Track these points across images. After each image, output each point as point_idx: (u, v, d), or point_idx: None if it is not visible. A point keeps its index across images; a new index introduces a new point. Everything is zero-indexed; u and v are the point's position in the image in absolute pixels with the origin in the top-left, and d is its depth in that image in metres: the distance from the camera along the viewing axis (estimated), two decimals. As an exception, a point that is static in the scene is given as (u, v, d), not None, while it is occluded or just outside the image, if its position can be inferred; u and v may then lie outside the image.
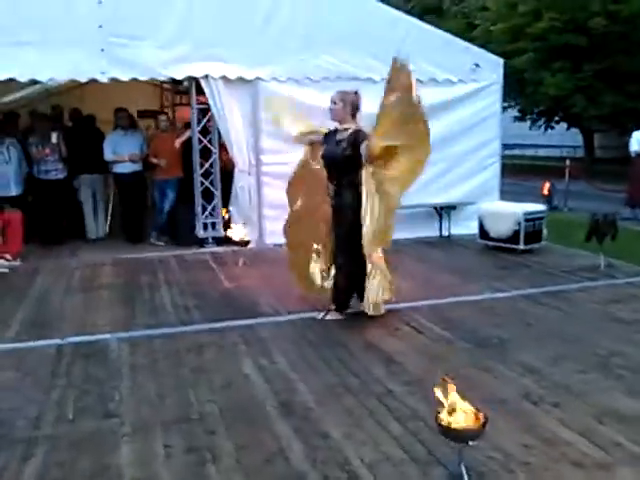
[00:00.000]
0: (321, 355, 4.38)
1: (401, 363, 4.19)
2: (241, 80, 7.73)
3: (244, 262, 7.06)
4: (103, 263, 7.36)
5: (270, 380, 3.97)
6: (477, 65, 8.66)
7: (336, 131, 5.25)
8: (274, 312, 5.39)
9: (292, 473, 2.91)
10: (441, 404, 2.78)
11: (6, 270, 6.95)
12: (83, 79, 7.43)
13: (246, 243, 7.20)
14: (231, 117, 7.80)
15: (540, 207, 7.76)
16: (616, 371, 4.02)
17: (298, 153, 7.62)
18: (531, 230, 7.47)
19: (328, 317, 5.11)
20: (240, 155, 7.94)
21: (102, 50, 7.11)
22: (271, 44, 7.73)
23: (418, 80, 8.22)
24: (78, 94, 10.15)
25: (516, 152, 29.95)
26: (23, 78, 7.02)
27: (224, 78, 7.65)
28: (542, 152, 26.58)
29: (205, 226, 8.07)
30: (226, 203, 8.16)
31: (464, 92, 8.68)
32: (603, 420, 3.35)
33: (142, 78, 7.42)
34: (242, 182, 7.99)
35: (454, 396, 2.75)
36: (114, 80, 7.26)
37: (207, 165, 7.98)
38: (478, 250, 7.79)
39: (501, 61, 8.95)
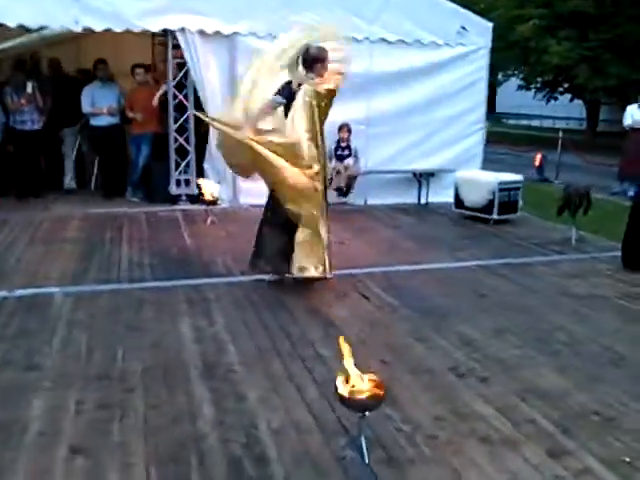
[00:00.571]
0: (261, 318, 4.33)
1: (339, 328, 4.13)
2: (218, 34, 7.55)
3: (212, 221, 7.00)
4: (72, 217, 7.30)
5: (202, 341, 3.93)
6: (464, 28, 8.41)
7: None
8: (227, 273, 5.34)
9: (192, 435, 2.88)
10: (345, 371, 2.73)
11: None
12: (56, 27, 7.26)
13: (214, 202, 7.11)
14: (207, 72, 7.64)
15: (516, 177, 7.60)
16: (554, 346, 3.96)
17: None
18: (506, 200, 7.34)
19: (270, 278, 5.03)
20: (215, 111, 7.79)
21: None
22: (249, -1, 7.53)
23: (403, 41, 8.14)
24: (75, 46, 9.90)
25: (523, 122, 29.54)
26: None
27: (201, 32, 7.48)
28: (547, 123, 26.17)
29: (178, 183, 7.98)
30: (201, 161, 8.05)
31: (450, 56, 8.47)
32: (525, 396, 3.29)
33: (117, 29, 7.18)
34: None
35: (349, 363, 2.69)
36: (88, 30, 7.12)
37: (181, 121, 7.84)
38: (452, 219, 7.69)
39: (490, 25, 8.70)
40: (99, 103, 8.21)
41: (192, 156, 7.96)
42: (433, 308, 4.58)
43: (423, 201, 8.49)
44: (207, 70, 7.64)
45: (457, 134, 8.69)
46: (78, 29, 7.05)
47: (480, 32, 8.59)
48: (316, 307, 4.57)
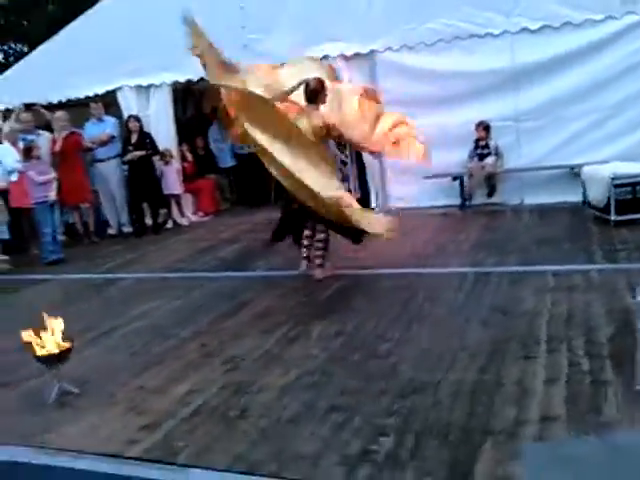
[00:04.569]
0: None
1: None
2: (357, 55, 8.26)
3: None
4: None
5: None
6: (631, -7, 7.06)
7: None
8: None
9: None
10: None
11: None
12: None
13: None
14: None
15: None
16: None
17: (418, 119, 7.99)
18: (628, 197, 6.08)
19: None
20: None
21: (245, 46, 8.64)
22: (381, 16, 7.99)
23: (549, 26, 7.43)
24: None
25: None
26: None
27: (341, 55, 8.32)
28: None
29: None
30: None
31: (614, 30, 7.21)
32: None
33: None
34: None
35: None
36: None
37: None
38: (587, 220, 6.62)
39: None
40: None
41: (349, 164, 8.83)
42: (337, 310, 4.76)
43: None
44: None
45: (634, 120, 7.28)
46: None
47: (657, -7, 7.05)
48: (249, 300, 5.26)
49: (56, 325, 3.74)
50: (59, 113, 8.64)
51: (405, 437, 2.86)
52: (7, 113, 8.98)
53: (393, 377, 3.49)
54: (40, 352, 3.69)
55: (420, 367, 3.58)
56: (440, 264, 5.64)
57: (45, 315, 3.76)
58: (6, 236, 7.59)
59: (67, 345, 3.73)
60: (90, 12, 9.37)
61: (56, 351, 3.69)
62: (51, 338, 3.73)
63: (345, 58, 8.32)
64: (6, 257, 7.98)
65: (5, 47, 22.11)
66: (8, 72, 10.12)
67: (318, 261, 5.55)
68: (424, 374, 3.48)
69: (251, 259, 6.61)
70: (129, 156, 8.61)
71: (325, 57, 8.36)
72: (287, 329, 4.43)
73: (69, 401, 3.68)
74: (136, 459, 2.98)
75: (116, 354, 4.41)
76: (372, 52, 8.20)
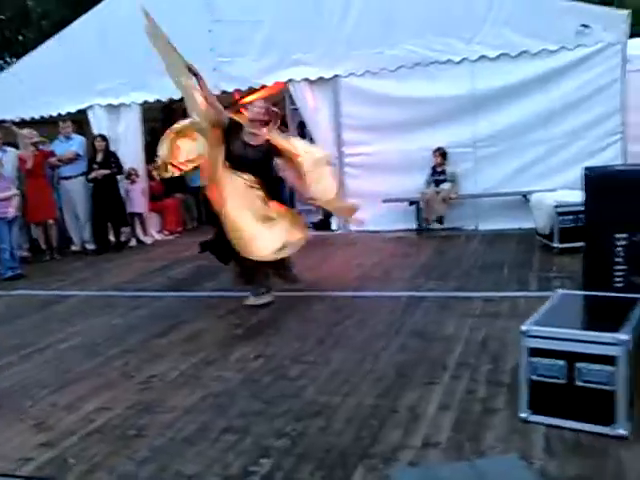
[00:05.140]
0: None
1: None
2: (321, 79, 8.40)
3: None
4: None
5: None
6: (585, 26, 7.20)
7: (241, 129, 5.66)
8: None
9: None
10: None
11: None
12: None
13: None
14: (315, 114, 8.55)
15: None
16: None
17: (379, 144, 8.09)
18: (571, 225, 6.16)
19: None
20: (326, 149, 8.59)
21: (214, 69, 8.77)
22: (345, 42, 8.14)
23: (507, 55, 7.54)
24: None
25: None
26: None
27: (306, 80, 8.45)
28: None
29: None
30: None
31: (568, 60, 7.41)
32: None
33: (242, 88, 8.80)
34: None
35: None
36: (222, 91, 8.85)
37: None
38: (534, 247, 6.72)
39: (624, 13, 7.16)
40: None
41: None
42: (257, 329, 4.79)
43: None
44: (315, 112, 8.55)
45: (586, 149, 7.40)
46: (217, 92, 8.84)
47: (609, 25, 7.17)
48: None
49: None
50: (25, 130, 8.74)
51: (285, 459, 2.90)
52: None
53: (296, 399, 3.53)
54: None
55: (324, 390, 3.62)
56: (379, 288, 5.70)
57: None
58: (-36, 250, 7.63)
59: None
60: (64, 32, 9.53)
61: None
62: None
63: (309, 82, 8.46)
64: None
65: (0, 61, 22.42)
66: (-18, 88, 10.24)
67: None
68: (325, 397, 3.52)
69: (201, 279, 6.67)
70: (93, 174, 8.70)
71: (290, 81, 8.54)
72: (210, 351, 4.47)
73: (-22, 416, 3.72)
74: (26, 477, 3.01)
75: (43, 371, 4.43)
76: (336, 77, 8.34)
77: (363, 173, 8.45)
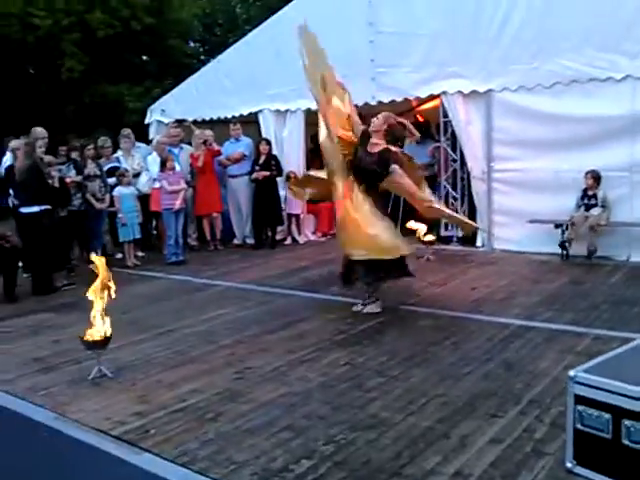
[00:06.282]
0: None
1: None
2: (475, 93, 8.29)
3: (427, 258, 7.93)
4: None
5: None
6: None
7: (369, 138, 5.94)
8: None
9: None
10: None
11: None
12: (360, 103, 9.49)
13: (432, 242, 8.03)
14: (467, 127, 8.46)
15: None
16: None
17: (529, 161, 7.97)
18: None
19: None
20: (475, 163, 8.48)
21: (372, 79, 9.05)
22: (501, 56, 7.97)
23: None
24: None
25: None
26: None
27: (460, 92, 8.40)
28: None
29: (446, 226, 9.00)
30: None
31: None
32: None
33: (398, 99, 8.96)
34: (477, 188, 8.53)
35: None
36: (379, 102, 9.08)
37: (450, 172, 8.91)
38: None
39: None
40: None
41: (459, 201, 8.86)
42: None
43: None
44: (468, 125, 8.47)
45: None
46: (373, 102, 9.11)
47: None
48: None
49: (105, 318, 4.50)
50: (198, 131, 9.73)
51: (323, 464, 3.11)
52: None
53: (359, 411, 3.71)
54: (86, 338, 4.44)
55: (390, 406, 3.76)
56: (492, 312, 5.60)
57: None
58: (138, 235, 8.73)
59: (106, 336, 4.44)
60: (239, 44, 10.46)
61: (97, 339, 4.42)
62: (102, 328, 4.47)
63: (463, 95, 8.41)
64: (142, 254, 9.20)
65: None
66: (175, 90, 11.53)
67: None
68: (388, 413, 3.66)
69: (331, 282, 6.97)
70: (254, 175, 9.44)
71: (443, 93, 8.56)
72: (307, 352, 4.78)
73: (101, 382, 4.39)
74: (114, 437, 3.56)
75: (163, 350, 5.05)
76: (489, 91, 8.20)
77: (511, 190, 8.22)
